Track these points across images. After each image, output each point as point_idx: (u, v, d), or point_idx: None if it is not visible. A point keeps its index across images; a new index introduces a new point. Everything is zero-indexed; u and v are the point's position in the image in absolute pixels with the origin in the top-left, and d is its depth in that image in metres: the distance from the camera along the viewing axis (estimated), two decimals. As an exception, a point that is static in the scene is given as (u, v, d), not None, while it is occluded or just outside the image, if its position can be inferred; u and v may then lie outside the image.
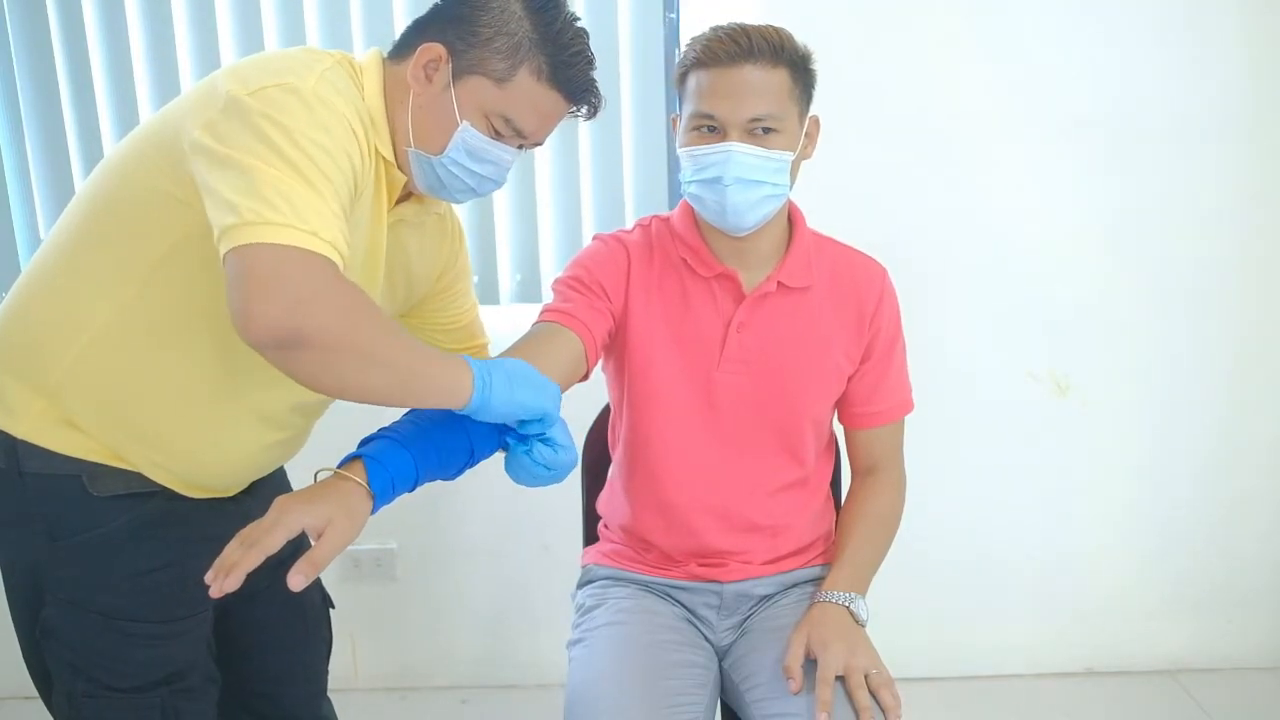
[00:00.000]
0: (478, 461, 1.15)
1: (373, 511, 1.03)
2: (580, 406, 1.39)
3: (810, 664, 1.20)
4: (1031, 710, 2.23)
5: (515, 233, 2.22)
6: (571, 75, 1.14)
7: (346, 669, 2.28)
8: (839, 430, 1.46)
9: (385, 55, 1.17)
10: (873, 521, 1.39)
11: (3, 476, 1.12)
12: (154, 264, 1.07)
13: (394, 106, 1.13)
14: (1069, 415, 2.22)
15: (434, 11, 1.16)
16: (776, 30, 1.23)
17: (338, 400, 1.26)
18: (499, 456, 1.17)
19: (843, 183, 2.02)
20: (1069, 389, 2.21)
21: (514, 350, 1.24)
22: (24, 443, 1.11)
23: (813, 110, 1.29)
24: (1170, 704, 2.24)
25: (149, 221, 1.07)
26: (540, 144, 1.21)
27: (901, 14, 2.04)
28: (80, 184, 2.13)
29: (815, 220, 1.40)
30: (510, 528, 2.25)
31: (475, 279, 2.18)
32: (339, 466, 1.04)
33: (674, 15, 2.13)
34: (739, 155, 1.21)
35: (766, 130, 1.22)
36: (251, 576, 0.93)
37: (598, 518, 1.51)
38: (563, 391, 1.23)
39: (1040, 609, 2.32)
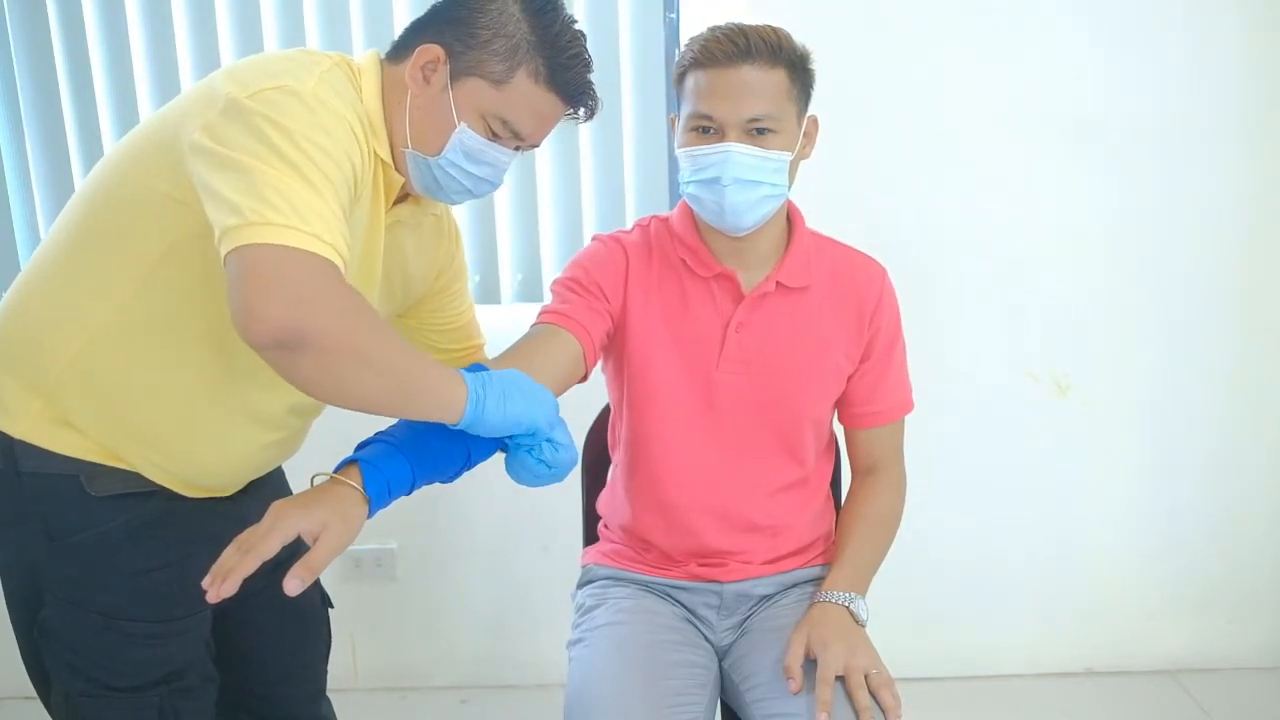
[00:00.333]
0: (474, 465, 1.15)
1: (369, 516, 1.03)
2: (580, 406, 1.39)
3: (810, 664, 1.20)
4: (1031, 710, 2.23)
5: (516, 232, 2.22)
6: (569, 78, 1.14)
7: (346, 669, 2.28)
8: (839, 430, 1.46)
9: (383, 57, 1.17)
10: (873, 521, 1.39)
11: (1, 476, 1.12)
12: (152, 264, 1.07)
13: (392, 108, 1.13)
14: (1069, 415, 2.22)
15: (432, 13, 1.16)
16: (774, 30, 1.23)
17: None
18: (499, 457, 1.17)
19: (842, 183, 2.03)
20: (1069, 389, 2.21)
21: (512, 351, 1.25)
22: (22, 442, 1.11)
23: (812, 110, 1.29)
24: (1170, 704, 2.24)
25: (147, 222, 1.07)
26: (537, 146, 1.21)
27: (901, 14, 2.04)
28: (80, 183, 2.14)
29: (815, 220, 1.40)
30: (510, 528, 2.26)
31: (476, 278, 2.19)
32: (335, 471, 1.04)
33: (674, 15, 2.13)
34: (737, 155, 1.21)
35: (764, 130, 1.22)
36: (249, 579, 0.93)
37: (598, 518, 1.51)
38: (561, 393, 1.24)
39: (1040, 609, 2.32)
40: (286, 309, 0.90)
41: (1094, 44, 2.07)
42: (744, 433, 1.34)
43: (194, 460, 1.16)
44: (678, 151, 1.27)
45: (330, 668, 1.49)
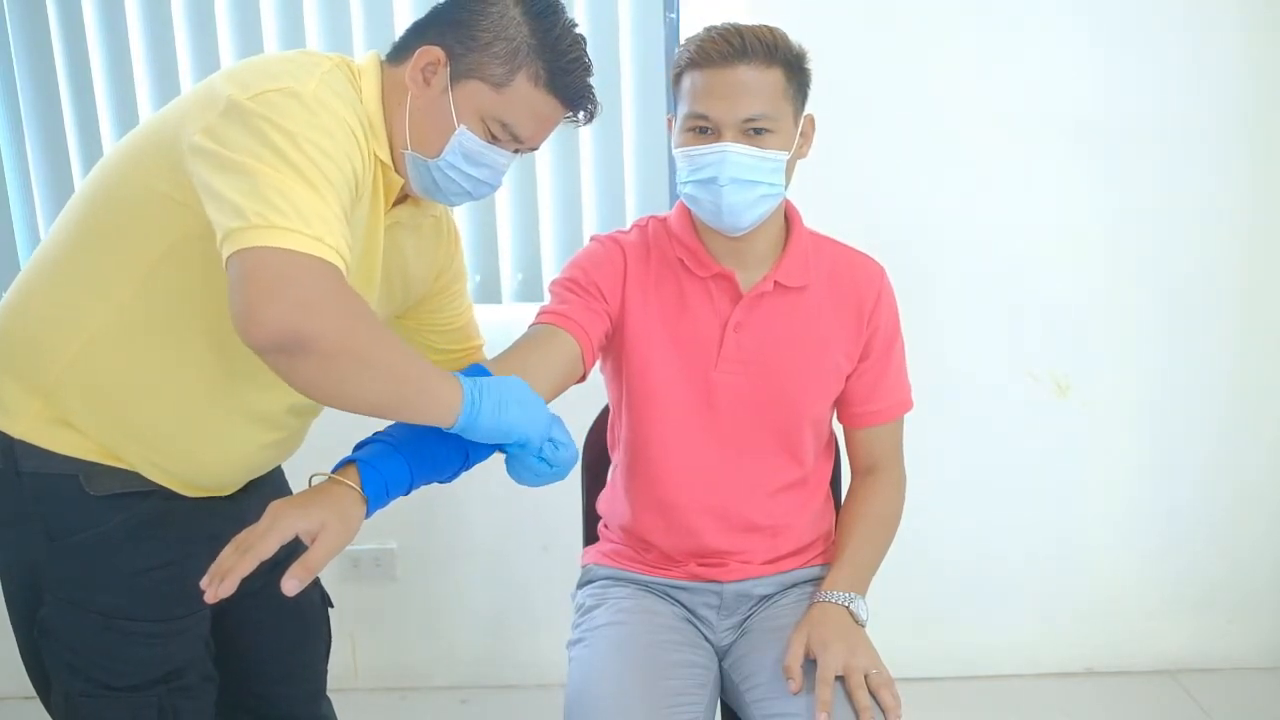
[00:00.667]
0: (472, 465, 1.15)
1: (367, 516, 1.03)
2: (580, 406, 1.39)
3: (810, 664, 1.20)
4: (1031, 710, 2.23)
5: (516, 232, 2.22)
6: (569, 81, 1.14)
7: (346, 669, 2.28)
8: (839, 430, 1.46)
9: (383, 58, 1.17)
10: (872, 521, 1.39)
11: (0, 476, 1.12)
12: (151, 264, 1.07)
13: (391, 109, 1.14)
14: (1069, 415, 2.22)
15: (433, 15, 1.16)
16: (771, 30, 1.23)
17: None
18: (498, 457, 1.17)
19: (842, 183, 2.02)
20: (1069, 389, 2.21)
21: (510, 351, 1.25)
22: (21, 442, 1.11)
23: (811, 110, 1.29)
24: (1170, 704, 2.24)
25: (146, 222, 1.07)
26: (536, 149, 1.21)
27: (900, 14, 2.04)
28: (80, 183, 2.14)
29: (814, 220, 1.40)
30: (510, 528, 2.26)
31: (476, 278, 2.19)
32: (333, 471, 1.05)
33: (674, 15, 2.13)
34: (734, 155, 1.21)
35: (761, 130, 1.22)
36: (247, 578, 0.93)
37: (598, 518, 1.51)
38: (559, 393, 1.24)
39: (1040, 609, 2.32)
40: (287, 313, 0.90)
41: (1094, 44, 2.07)
42: (743, 432, 1.34)
43: (193, 460, 1.16)
44: (675, 152, 1.27)
45: (330, 668, 1.49)
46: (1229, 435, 2.24)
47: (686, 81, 1.24)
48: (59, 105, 2.13)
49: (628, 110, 2.17)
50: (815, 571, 1.41)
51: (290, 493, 1.38)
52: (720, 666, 1.36)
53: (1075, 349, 2.19)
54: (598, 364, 1.36)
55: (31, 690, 1.24)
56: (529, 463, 1.12)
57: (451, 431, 1.05)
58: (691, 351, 1.33)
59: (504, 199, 2.19)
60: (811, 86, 1.28)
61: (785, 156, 1.25)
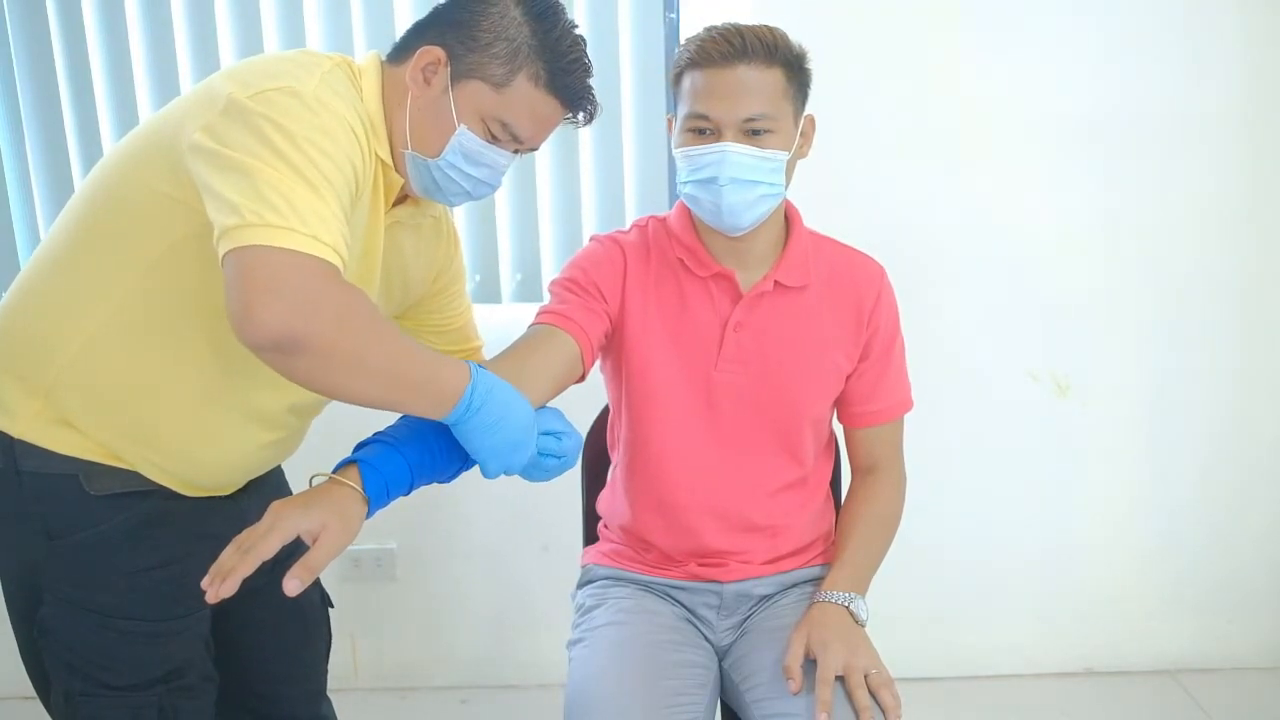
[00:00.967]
0: (473, 464, 1.15)
1: (367, 516, 1.04)
2: (580, 407, 1.39)
3: (810, 664, 1.20)
4: (1031, 710, 2.23)
5: (516, 232, 2.22)
6: (569, 82, 1.15)
7: (346, 669, 2.28)
8: (839, 430, 1.46)
9: (384, 58, 1.18)
10: (872, 521, 1.39)
11: (0, 475, 1.12)
12: (151, 264, 1.07)
13: (392, 109, 1.14)
14: (1069, 415, 2.22)
15: (434, 15, 1.16)
16: (771, 30, 1.23)
17: (335, 402, 1.27)
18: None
19: (842, 183, 2.03)
20: (1069, 389, 2.21)
21: (509, 352, 1.25)
22: (21, 442, 1.11)
23: (812, 109, 1.29)
24: (1170, 704, 2.24)
25: (146, 222, 1.07)
26: (536, 149, 1.21)
27: (900, 14, 2.04)
28: (80, 184, 2.14)
29: (814, 220, 1.40)
30: (510, 528, 2.26)
31: (476, 278, 2.19)
32: (334, 471, 1.05)
33: (674, 15, 2.13)
34: (733, 155, 1.21)
35: (761, 130, 1.22)
36: (248, 578, 0.94)
37: (597, 518, 1.51)
38: (558, 393, 1.25)
39: (1040, 609, 2.32)
40: (282, 313, 0.91)
41: (1094, 44, 2.07)
42: (743, 432, 1.34)
43: (193, 460, 1.16)
44: (675, 152, 1.27)
45: (330, 668, 1.49)
46: (1229, 435, 2.24)
47: (686, 81, 1.24)
48: (59, 105, 2.13)
49: (627, 110, 2.17)
50: (815, 571, 1.41)
51: (290, 492, 1.38)
52: (720, 666, 1.36)
53: (1075, 348, 2.19)
54: (597, 364, 1.36)
55: (31, 690, 1.23)
56: (535, 459, 1.13)
57: (445, 423, 1.06)
58: (691, 351, 1.33)
59: (503, 199, 2.19)
60: (811, 86, 1.28)
61: (785, 156, 1.25)
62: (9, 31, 2.10)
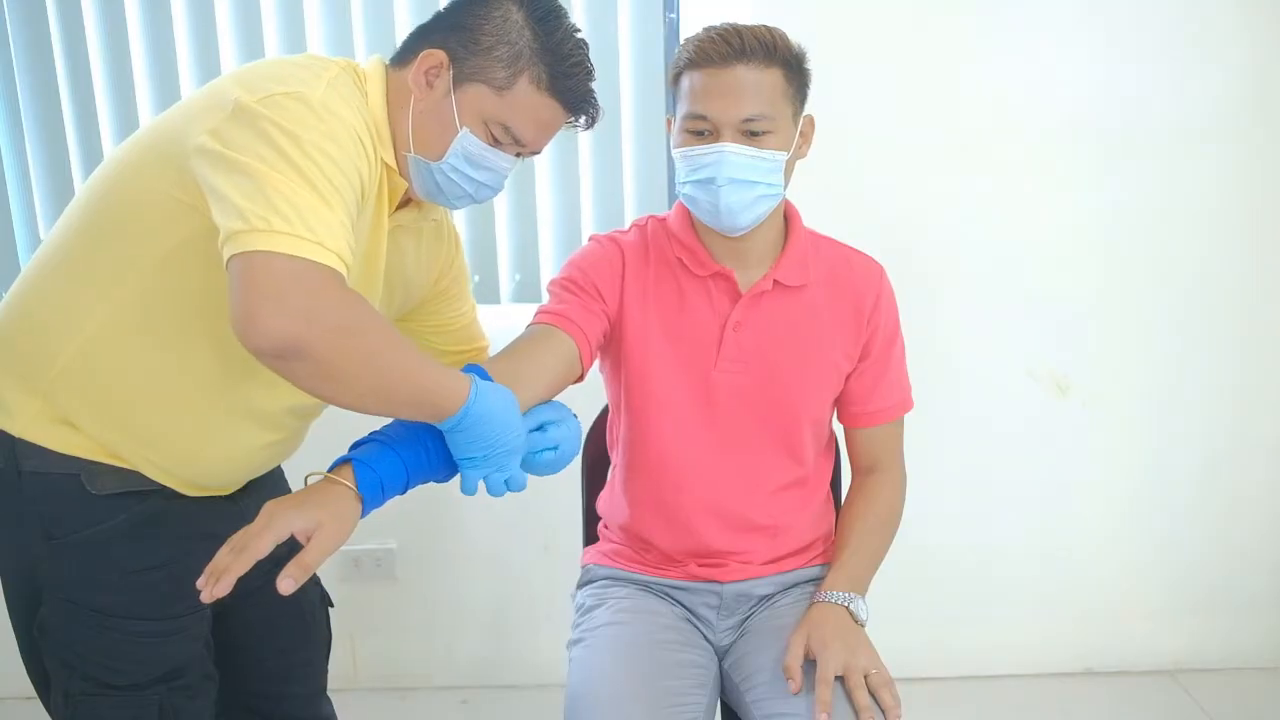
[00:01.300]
0: None
1: (363, 515, 1.03)
2: (580, 407, 1.39)
3: (810, 664, 1.20)
4: (1031, 710, 2.23)
5: (515, 232, 2.23)
6: (571, 86, 1.15)
7: (346, 669, 2.28)
8: (839, 430, 1.46)
9: (388, 62, 1.18)
10: (872, 521, 1.39)
11: (1, 475, 1.12)
12: (153, 265, 1.07)
13: (395, 112, 1.14)
14: (1069, 415, 2.22)
15: (437, 18, 1.17)
16: (770, 30, 1.23)
17: (334, 404, 1.27)
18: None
19: (842, 183, 2.02)
20: (1069, 389, 2.21)
21: (508, 352, 1.25)
22: (22, 441, 1.11)
23: (812, 110, 1.29)
24: (1170, 704, 2.23)
25: (149, 223, 1.07)
26: (538, 153, 1.22)
27: (900, 13, 2.04)
28: (80, 184, 2.14)
29: (814, 220, 1.40)
30: (510, 528, 2.26)
31: (475, 279, 2.19)
32: (329, 470, 1.05)
33: (674, 15, 2.13)
34: (732, 156, 1.21)
35: (760, 131, 1.22)
36: (246, 577, 0.94)
37: (597, 518, 1.51)
38: (557, 393, 1.25)
39: (1040, 609, 2.32)
40: (284, 320, 0.91)
41: (1095, 44, 2.07)
42: (743, 432, 1.34)
43: (192, 460, 1.16)
44: (674, 152, 1.27)
45: (330, 667, 1.49)
46: (1229, 435, 2.24)
47: (685, 82, 1.24)
48: (59, 105, 2.13)
49: (626, 110, 2.17)
50: (815, 571, 1.41)
51: (289, 492, 1.38)
52: (720, 667, 1.36)
53: (1075, 348, 2.19)
54: (596, 364, 1.36)
55: (31, 691, 1.24)
56: (528, 459, 1.14)
57: (443, 429, 1.06)
58: (691, 351, 1.33)
59: (502, 199, 2.19)
60: (811, 86, 1.28)
61: (784, 157, 1.25)
62: (9, 31, 2.10)
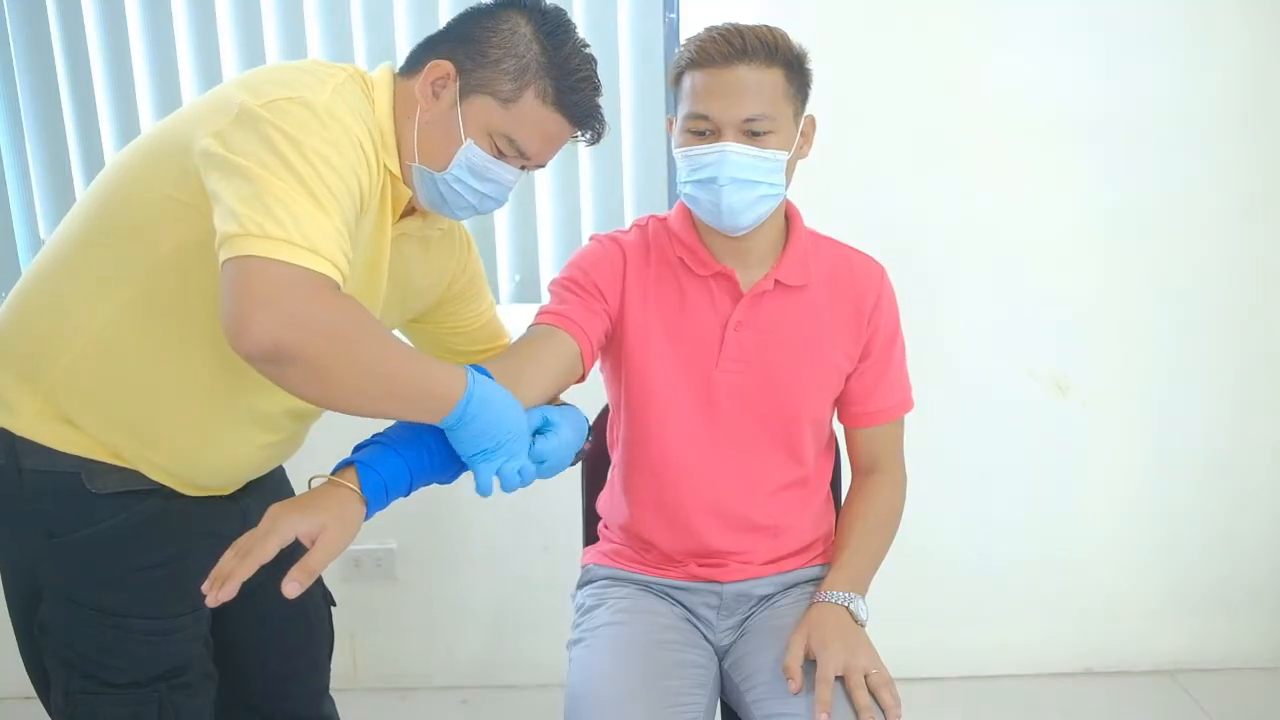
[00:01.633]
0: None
1: (366, 517, 1.04)
2: (580, 406, 1.39)
3: (810, 664, 1.20)
4: (1031, 710, 2.23)
5: (514, 233, 2.23)
6: (577, 100, 1.15)
7: (346, 668, 2.28)
8: (839, 430, 1.46)
9: (396, 71, 1.18)
10: (873, 521, 1.39)
11: (1, 473, 1.12)
12: (156, 266, 1.08)
13: (402, 121, 1.14)
14: (1069, 415, 2.22)
15: (445, 30, 1.17)
16: (771, 30, 1.23)
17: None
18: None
19: (842, 183, 2.03)
20: (1069, 389, 2.21)
21: (510, 352, 1.25)
22: (23, 439, 1.11)
23: (812, 110, 1.29)
24: (1169, 704, 2.24)
25: (152, 224, 1.07)
26: (543, 166, 1.22)
27: (901, 13, 2.04)
28: (80, 186, 2.15)
29: (814, 220, 1.40)
30: (510, 528, 2.26)
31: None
32: (333, 473, 1.05)
33: (674, 15, 2.13)
34: (733, 156, 1.21)
35: (761, 131, 1.22)
36: (247, 579, 0.94)
37: (598, 518, 1.51)
38: (558, 394, 1.25)
39: (1040, 609, 2.32)
40: (273, 326, 0.91)
41: (1094, 43, 2.07)
42: (743, 432, 1.34)
43: (192, 460, 1.16)
44: (675, 152, 1.27)
45: (330, 667, 1.49)
46: (1229, 435, 2.25)
47: (687, 81, 1.24)
48: (59, 106, 2.13)
49: (626, 111, 2.17)
50: (815, 571, 1.41)
51: (291, 492, 1.39)
52: (720, 667, 1.36)
53: (1075, 349, 2.19)
54: (597, 363, 1.36)
55: (31, 690, 1.23)
56: (530, 452, 1.14)
57: (441, 426, 1.06)
58: (692, 350, 1.33)
59: (503, 199, 2.19)
60: (812, 87, 1.28)
61: (785, 157, 1.25)
62: (9, 32, 2.10)
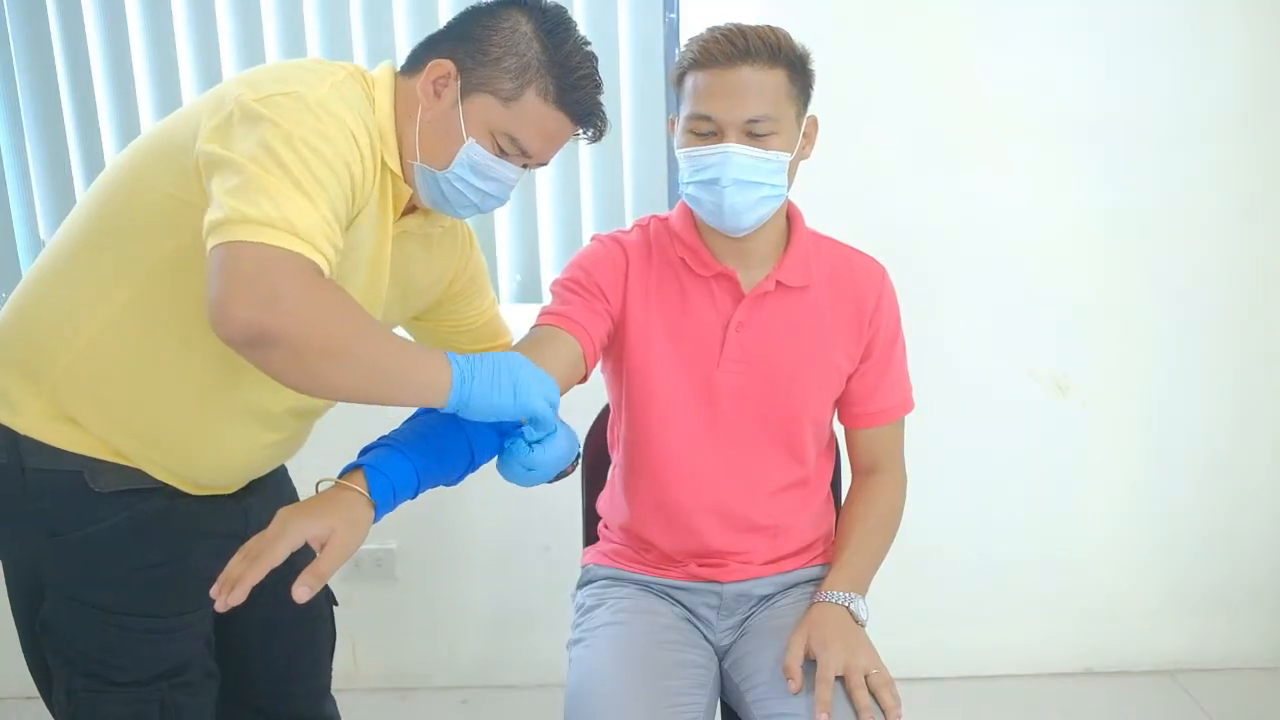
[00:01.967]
0: (479, 465, 1.15)
1: (375, 520, 1.04)
2: (580, 407, 1.39)
3: (810, 664, 1.20)
4: (1031, 710, 2.23)
5: (515, 233, 2.23)
6: (578, 98, 1.15)
7: (347, 669, 2.27)
8: (839, 430, 1.47)
9: (398, 69, 1.18)
10: (873, 521, 1.39)
11: (4, 471, 1.12)
12: (158, 265, 1.08)
13: (403, 120, 1.15)
14: (1069, 415, 2.22)
15: (446, 29, 1.17)
16: (774, 30, 1.23)
17: (339, 404, 1.27)
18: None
19: (842, 183, 2.03)
20: (1069, 389, 2.21)
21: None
22: (26, 438, 1.11)
23: (814, 110, 1.29)
24: (1169, 704, 2.24)
25: (153, 224, 1.08)
26: (545, 164, 1.22)
27: (902, 14, 2.04)
28: (80, 186, 2.15)
29: (815, 220, 1.40)
30: (510, 528, 2.26)
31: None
32: (340, 476, 1.05)
33: (674, 15, 2.13)
34: (736, 156, 1.21)
35: (763, 131, 1.22)
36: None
37: (598, 518, 1.51)
38: (561, 394, 1.24)
39: (1040, 609, 2.32)
40: (252, 309, 0.91)
41: (1094, 43, 2.07)
42: (744, 432, 1.35)
43: (194, 459, 1.16)
44: (677, 152, 1.27)
45: (332, 666, 1.49)
46: (1229, 435, 2.25)
47: (689, 82, 1.24)
48: (59, 106, 2.13)
49: (626, 111, 2.17)
50: (815, 571, 1.41)
51: (294, 491, 1.39)
52: (720, 667, 1.36)
53: (1075, 349, 2.19)
54: (599, 364, 1.36)
55: (32, 691, 1.24)
56: (509, 461, 1.14)
57: (448, 410, 1.05)
58: (693, 351, 1.33)
59: (504, 199, 2.19)
60: (814, 87, 1.28)
61: (788, 157, 1.25)
62: (9, 32, 2.10)
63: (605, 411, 1.53)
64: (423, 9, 2.10)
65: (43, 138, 2.15)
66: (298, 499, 1.35)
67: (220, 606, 0.93)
